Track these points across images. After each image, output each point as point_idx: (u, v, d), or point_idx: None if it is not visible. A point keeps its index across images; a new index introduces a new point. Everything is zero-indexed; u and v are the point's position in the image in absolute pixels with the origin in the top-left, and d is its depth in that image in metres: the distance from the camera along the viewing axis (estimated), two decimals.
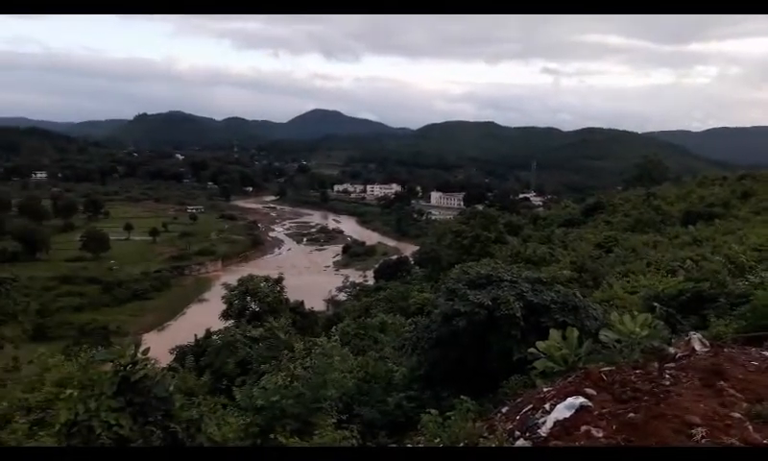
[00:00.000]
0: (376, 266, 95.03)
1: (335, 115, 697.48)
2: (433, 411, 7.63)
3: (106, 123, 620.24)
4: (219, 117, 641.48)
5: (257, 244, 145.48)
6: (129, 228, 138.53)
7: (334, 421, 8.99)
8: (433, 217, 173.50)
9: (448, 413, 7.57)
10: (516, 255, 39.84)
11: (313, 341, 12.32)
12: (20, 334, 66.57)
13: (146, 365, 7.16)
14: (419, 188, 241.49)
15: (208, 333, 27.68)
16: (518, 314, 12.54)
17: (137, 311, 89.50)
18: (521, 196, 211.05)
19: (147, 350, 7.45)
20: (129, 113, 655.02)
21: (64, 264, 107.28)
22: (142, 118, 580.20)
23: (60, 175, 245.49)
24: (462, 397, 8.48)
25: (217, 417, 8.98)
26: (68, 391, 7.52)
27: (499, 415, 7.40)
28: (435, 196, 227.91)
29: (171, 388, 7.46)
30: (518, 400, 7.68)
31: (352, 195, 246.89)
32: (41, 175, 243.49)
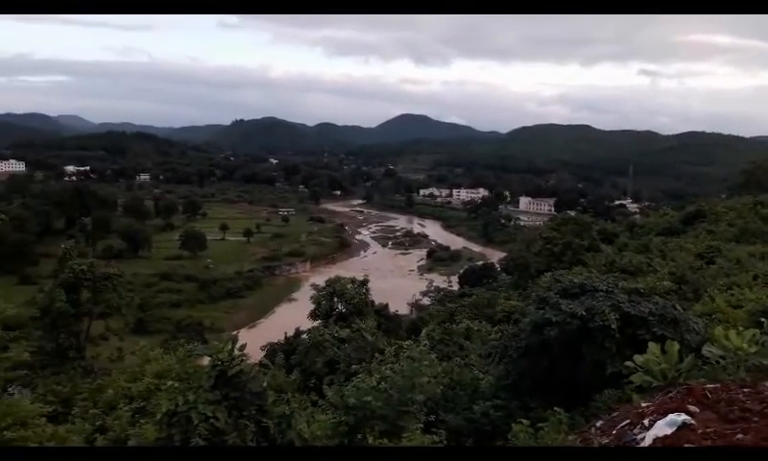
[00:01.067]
0: (461, 271, 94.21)
1: (423, 120, 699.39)
2: (524, 421, 7.46)
3: (205, 128, 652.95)
4: (311, 123, 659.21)
5: (344, 246, 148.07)
6: (224, 228, 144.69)
7: (421, 424, 9.00)
8: (522, 223, 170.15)
9: (540, 424, 7.38)
10: (611, 265, 38.25)
11: (401, 345, 12.38)
12: (123, 327, 71.08)
13: (241, 361, 7.45)
14: (507, 193, 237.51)
15: (297, 332, 28.42)
16: (614, 326, 12.04)
17: (231, 309, 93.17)
18: (617, 203, 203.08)
19: (243, 346, 7.74)
20: (226, 119, 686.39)
21: (164, 262, 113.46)
22: (239, 124, 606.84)
23: (161, 177, 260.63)
24: (555, 408, 8.24)
25: (307, 414, 9.19)
26: (169, 382, 7.96)
27: (594, 429, 7.13)
28: (524, 201, 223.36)
29: (264, 384, 7.71)
30: (614, 414, 7.37)
31: (438, 199, 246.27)
32: (145, 177, 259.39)
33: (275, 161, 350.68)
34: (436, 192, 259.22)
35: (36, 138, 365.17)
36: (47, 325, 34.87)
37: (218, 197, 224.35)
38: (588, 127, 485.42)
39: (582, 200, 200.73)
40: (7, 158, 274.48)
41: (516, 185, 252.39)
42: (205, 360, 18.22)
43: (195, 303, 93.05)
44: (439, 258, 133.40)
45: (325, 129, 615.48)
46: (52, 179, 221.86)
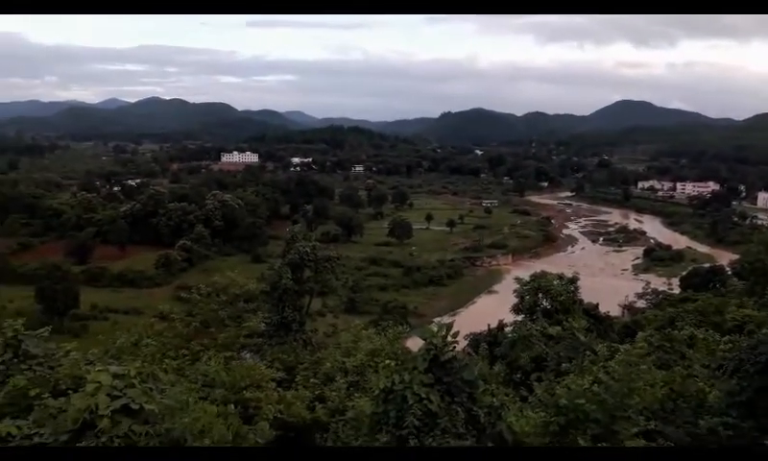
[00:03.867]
0: (684, 273, 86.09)
1: (643, 106, 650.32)
2: None
3: (414, 121, 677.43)
4: (519, 112, 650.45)
5: (549, 240, 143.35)
6: (429, 218, 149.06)
7: (636, 431, 8.41)
8: (759, 221, 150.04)
9: None
10: None
11: (616, 347, 11.64)
12: (339, 305, 76.76)
13: (453, 348, 7.56)
14: (742, 188, 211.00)
15: (501, 325, 28.19)
16: None
17: (432, 296, 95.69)
18: None
19: (456, 333, 7.84)
20: (435, 112, 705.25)
21: (374, 248, 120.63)
22: (446, 116, 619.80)
23: (374, 169, 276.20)
24: None
25: (516, 408, 9.05)
26: (386, 361, 8.37)
27: None
28: (763, 197, 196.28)
29: (476, 373, 7.74)
30: None
31: (659, 193, 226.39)
32: (359, 168, 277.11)
33: (480, 152, 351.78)
34: (657, 185, 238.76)
35: (266, 133, 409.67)
36: (275, 299, 38.75)
37: (424, 188, 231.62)
38: None
39: None
40: (244, 151, 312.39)
41: (754, 179, 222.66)
42: (410, 343, 18.92)
43: (400, 287, 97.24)
44: (657, 258, 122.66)
45: (534, 118, 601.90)
46: (280, 169, 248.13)
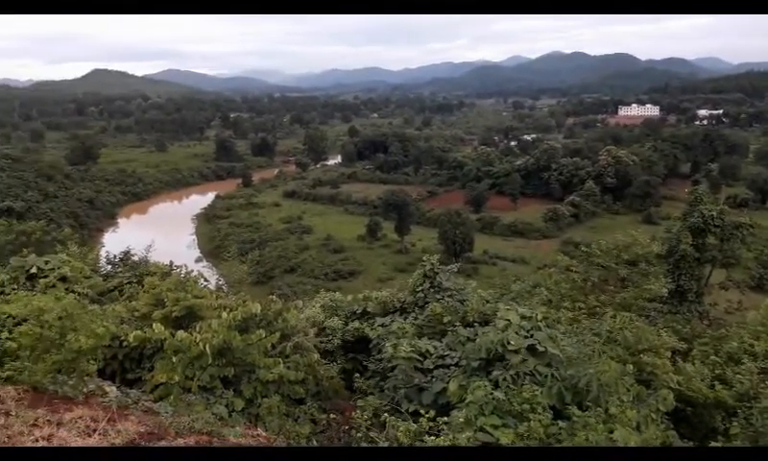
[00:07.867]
0: None
1: None
2: None
3: None
4: None
5: None
6: None
7: None
8: None
9: None
10: None
11: None
12: (745, 280, 67.13)
13: None
14: None
15: None
16: None
17: None
18: None
19: None
20: None
21: None
22: None
23: None
24: None
25: None
26: None
27: None
28: None
29: None
30: None
31: None
32: None
33: None
34: None
35: (671, 82, 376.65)
36: (670, 264, 36.10)
37: None
38: None
39: None
40: (644, 103, 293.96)
41: None
42: None
43: None
44: None
45: None
46: (682, 122, 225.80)
